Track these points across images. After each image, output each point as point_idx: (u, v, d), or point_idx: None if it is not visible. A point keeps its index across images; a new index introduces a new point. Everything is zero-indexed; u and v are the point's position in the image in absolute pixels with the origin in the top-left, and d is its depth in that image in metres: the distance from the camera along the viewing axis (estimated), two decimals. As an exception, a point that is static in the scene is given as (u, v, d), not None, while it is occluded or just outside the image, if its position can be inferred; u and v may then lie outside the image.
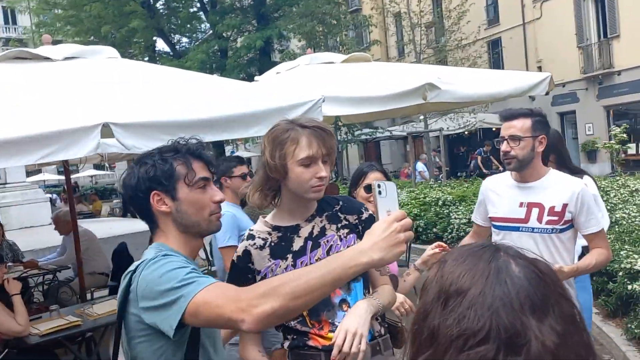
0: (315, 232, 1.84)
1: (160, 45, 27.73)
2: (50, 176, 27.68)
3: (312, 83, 4.96)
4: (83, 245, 5.99)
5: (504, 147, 2.52)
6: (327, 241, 1.84)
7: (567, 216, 2.47)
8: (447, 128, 18.09)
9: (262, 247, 1.83)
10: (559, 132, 3.82)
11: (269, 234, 1.85)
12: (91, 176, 33.78)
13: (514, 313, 0.68)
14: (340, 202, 1.93)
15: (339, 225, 1.87)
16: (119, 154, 10.10)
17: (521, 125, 2.50)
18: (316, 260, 1.78)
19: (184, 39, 28.23)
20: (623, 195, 6.94)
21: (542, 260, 0.78)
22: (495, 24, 23.98)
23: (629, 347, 3.97)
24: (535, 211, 2.51)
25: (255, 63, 22.28)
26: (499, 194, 2.66)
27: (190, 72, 5.26)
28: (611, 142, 14.88)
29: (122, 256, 6.14)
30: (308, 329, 1.79)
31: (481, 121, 19.79)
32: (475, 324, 0.68)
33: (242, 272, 1.81)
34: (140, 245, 6.98)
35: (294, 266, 1.79)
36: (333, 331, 1.71)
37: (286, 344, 1.86)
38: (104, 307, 4.14)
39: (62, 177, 15.21)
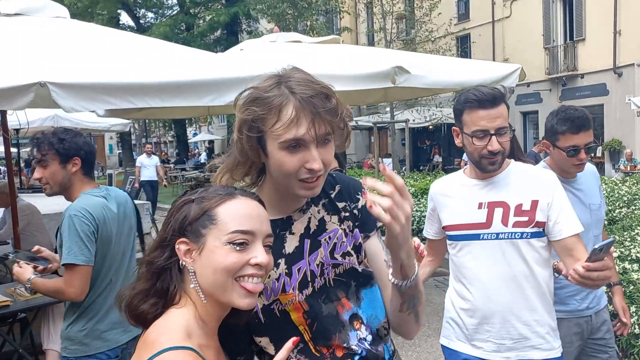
0: (313, 227, 1.36)
1: (125, 19, 26.82)
2: (-2, 148, 26.45)
3: (277, 59, 4.70)
4: (23, 220, 5.59)
5: (494, 145, 1.92)
6: (329, 238, 1.36)
7: (539, 216, 1.95)
8: (413, 120, 18.09)
9: None
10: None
11: None
12: (46, 151, 32.55)
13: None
14: (337, 186, 1.43)
15: (341, 215, 1.39)
16: (73, 128, 9.66)
17: (506, 113, 1.95)
18: (317, 265, 1.32)
19: (150, 14, 27.38)
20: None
21: None
22: (465, 20, 24.09)
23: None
24: (498, 212, 1.98)
25: (222, 43, 21.74)
26: (452, 196, 2.12)
27: (145, 37, 4.92)
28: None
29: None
30: None
31: (447, 116, 19.87)
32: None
33: None
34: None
35: (289, 275, 1.31)
36: (350, 358, 1.30)
37: None
38: (37, 287, 3.80)
39: (14, 150, 14.13)
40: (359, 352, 1.32)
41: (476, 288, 2.02)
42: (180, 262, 1.12)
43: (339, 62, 4.91)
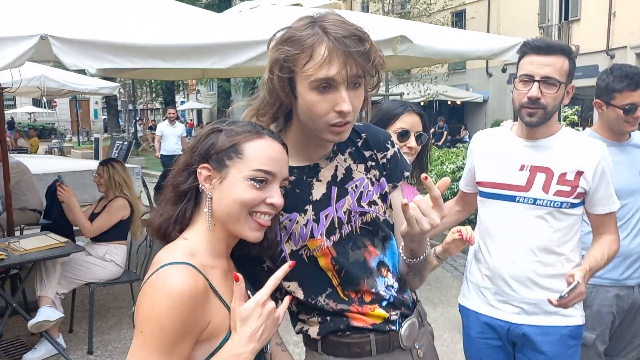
0: (340, 175, 1.36)
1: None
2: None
3: (278, 23, 4.62)
4: (14, 178, 5.54)
5: (533, 91, 1.81)
6: (356, 187, 1.36)
7: (581, 188, 1.89)
8: (407, 94, 18.05)
9: None
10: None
11: None
12: (29, 113, 32.03)
13: None
14: (363, 135, 1.42)
15: (368, 164, 1.40)
16: (59, 89, 9.42)
17: (560, 66, 1.82)
18: (344, 212, 1.33)
19: (140, -24, 26.74)
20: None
21: None
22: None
23: None
24: (540, 177, 1.90)
25: (214, 8, 21.32)
26: (492, 152, 2.03)
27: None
28: (563, 122, 15.22)
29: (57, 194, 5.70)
30: (345, 305, 1.33)
31: (441, 93, 19.81)
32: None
33: None
34: (77, 184, 6.54)
35: (317, 221, 1.31)
36: (377, 303, 1.34)
37: (313, 330, 1.36)
38: (32, 243, 3.79)
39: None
40: (387, 297, 1.36)
41: (502, 250, 1.97)
42: (200, 186, 1.17)
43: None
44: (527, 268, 1.92)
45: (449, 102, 23.66)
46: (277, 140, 1.21)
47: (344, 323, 1.33)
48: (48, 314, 3.67)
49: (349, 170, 1.38)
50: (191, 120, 41.00)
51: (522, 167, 1.94)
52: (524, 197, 1.92)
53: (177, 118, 16.15)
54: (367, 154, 1.41)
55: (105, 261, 4.13)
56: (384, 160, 1.42)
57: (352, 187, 1.36)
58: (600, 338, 2.34)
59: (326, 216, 1.33)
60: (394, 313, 1.36)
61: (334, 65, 1.16)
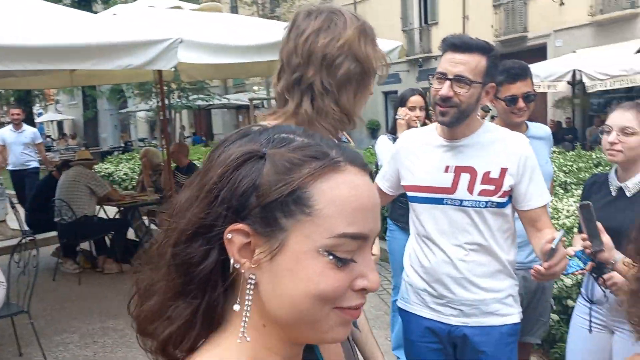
0: None
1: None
2: None
3: (162, 26, 4.41)
4: None
5: (443, 90, 1.79)
6: None
7: (506, 185, 1.85)
8: (282, 98, 18.17)
9: None
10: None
11: None
12: None
13: None
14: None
15: None
16: None
17: (476, 65, 1.79)
18: None
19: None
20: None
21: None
22: (327, 1, 24.58)
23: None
24: (464, 178, 1.86)
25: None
26: (417, 155, 1.98)
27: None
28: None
29: None
30: None
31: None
32: None
33: None
34: None
35: None
36: None
37: None
38: None
39: None
40: None
41: (436, 253, 1.93)
42: (232, 262, 0.63)
43: (227, 32, 4.74)
44: (463, 269, 1.89)
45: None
46: (363, 168, 0.66)
47: None
48: None
49: None
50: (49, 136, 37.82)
51: (446, 169, 1.90)
52: (451, 199, 1.89)
53: (29, 121, 13.26)
54: None
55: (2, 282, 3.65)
56: None
57: None
58: None
59: None
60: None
61: None
